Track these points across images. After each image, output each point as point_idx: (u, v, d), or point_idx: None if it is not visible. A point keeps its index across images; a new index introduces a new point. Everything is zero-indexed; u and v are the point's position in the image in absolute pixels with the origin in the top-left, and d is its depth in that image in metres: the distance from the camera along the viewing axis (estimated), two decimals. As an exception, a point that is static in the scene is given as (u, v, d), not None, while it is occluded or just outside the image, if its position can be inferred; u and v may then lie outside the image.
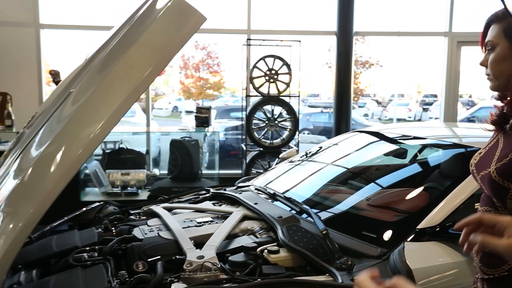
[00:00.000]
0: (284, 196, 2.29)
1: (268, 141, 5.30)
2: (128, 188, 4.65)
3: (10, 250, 1.33)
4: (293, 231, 1.86)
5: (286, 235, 1.82)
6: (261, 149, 5.31)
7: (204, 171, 5.10)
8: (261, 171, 4.93)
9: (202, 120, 5.00)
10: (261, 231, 1.99)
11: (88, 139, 1.46)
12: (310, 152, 2.97)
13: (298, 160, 2.96)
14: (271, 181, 2.67)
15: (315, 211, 2.06)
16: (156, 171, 5.11)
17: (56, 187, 1.41)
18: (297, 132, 5.32)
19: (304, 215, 2.05)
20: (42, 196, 1.40)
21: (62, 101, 1.71)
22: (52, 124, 1.65)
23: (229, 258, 1.75)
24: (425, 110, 14.76)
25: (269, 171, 3.01)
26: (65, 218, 2.37)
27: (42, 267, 1.86)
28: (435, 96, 14.34)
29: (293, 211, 2.10)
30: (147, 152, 5.33)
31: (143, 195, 4.61)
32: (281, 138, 5.30)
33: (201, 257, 1.69)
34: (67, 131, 1.52)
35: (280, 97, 5.22)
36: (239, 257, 1.75)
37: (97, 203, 2.51)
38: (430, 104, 14.76)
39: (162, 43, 1.53)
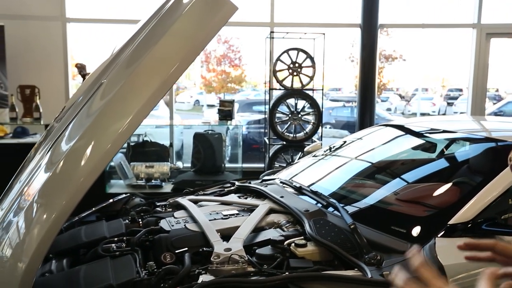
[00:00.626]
0: (310, 189, 2.27)
1: (291, 135, 5.27)
2: (152, 181, 4.69)
3: (45, 240, 1.36)
4: (320, 224, 1.84)
5: (314, 228, 1.80)
6: (284, 143, 5.29)
7: (227, 165, 5.11)
8: (284, 165, 4.92)
9: (225, 113, 5.00)
10: (287, 225, 1.98)
11: (116, 134, 1.47)
12: (335, 146, 2.94)
13: (323, 154, 2.94)
14: (296, 175, 2.64)
15: (342, 205, 2.04)
16: (179, 164, 5.13)
17: (87, 180, 1.44)
18: (320, 126, 5.28)
19: (331, 209, 2.03)
20: (74, 189, 1.43)
21: (91, 95, 1.73)
22: (81, 118, 1.67)
23: (256, 251, 1.74)
24: (449, 104, 14.47)
25: (294, 164, 2.99)
26: (93, 209, 2.40)
27: (72, 257, 1.89)
28: (460, 90, 14.05)
29: (320, 205, 2.08)
30: (171, 145, 5.37)
31: (167, 187, 4.64)
32: (305, 132, 5.26)
33: (228, 249, 1.69)
34: (96, 126, 1.54)
35: (304, 91, 5.18)
36: (266, 250, 1.74)
37: (124, 195, 2.54)
38: (455, 98, 14.46)
39: (192, 35, 1.51)
